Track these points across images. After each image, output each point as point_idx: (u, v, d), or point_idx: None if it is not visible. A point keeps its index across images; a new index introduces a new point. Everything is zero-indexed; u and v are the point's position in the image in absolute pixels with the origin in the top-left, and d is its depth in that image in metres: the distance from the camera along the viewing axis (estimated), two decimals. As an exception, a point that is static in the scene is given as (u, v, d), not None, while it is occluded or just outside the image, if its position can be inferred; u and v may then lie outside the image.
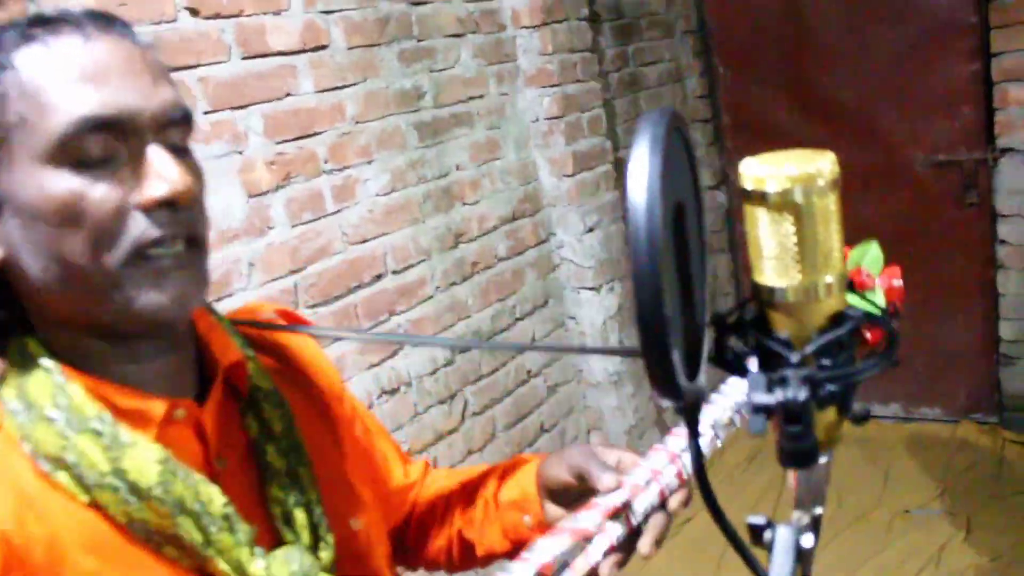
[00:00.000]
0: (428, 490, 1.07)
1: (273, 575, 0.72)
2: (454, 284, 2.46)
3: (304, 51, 2.07)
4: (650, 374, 0.48)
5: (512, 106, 2.73)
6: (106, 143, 0.67)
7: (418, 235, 2.34)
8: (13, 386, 0.71)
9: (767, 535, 0.53)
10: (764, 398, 0.46)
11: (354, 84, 2.19)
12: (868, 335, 0.68)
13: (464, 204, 2.50)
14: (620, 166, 3.17)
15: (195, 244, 0.72)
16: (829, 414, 0.51)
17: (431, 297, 2.38)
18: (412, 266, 2.32)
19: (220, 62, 1.88)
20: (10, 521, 0.66)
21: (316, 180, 2.09)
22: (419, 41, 2.39)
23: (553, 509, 0.93)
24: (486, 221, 2.58)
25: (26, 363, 0.71)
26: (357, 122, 2.19)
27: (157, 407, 0.72)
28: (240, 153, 1.92)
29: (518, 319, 2.69)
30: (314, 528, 0.79)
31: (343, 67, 2.16)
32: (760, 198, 0.48)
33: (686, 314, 0.54)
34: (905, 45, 3.29)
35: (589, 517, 0.78)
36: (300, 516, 0.78)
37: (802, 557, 0.51)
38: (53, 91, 0.66)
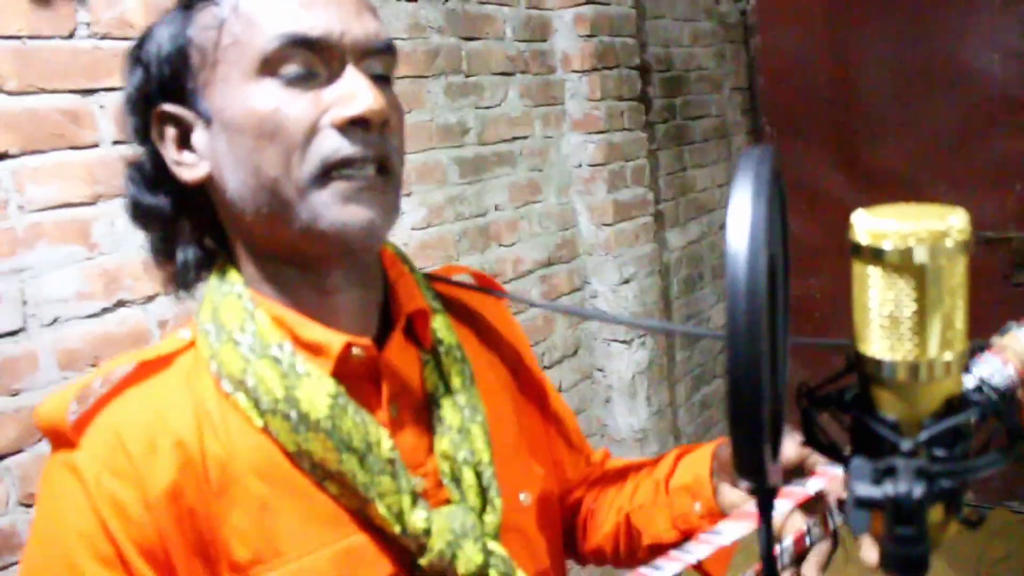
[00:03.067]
0: (605, 475, 1.02)
1: (433, 529, 0.72)
2: (483, 326, 2.39)
3: (351, 78, 2.03)
4: (737, 450, 0.41)
5: (556, 150, 2.68)
6: (307, 60, 0.70)
7: (451, 273, 2.29)
8: (209, 308, 0.75)
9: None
10: (870, 491, 0.39)
11: (398, 115, 2.15)
12: None
13: (500, 245, 2.45)
14: (660, 218, 3.11)
15: (386, 171, 0.72)
16: (936, 513, 0.44)
17: (459, 337, 2.31)
18: (442, 304, 2.26)
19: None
20: (191, 433, 0.70)
21: (352, 209, 2.04)
22: (467, 77, 2.35)
23: (730, 494, 0.84)
24: (521, 264, 2.52)
25: (222, 287, 0.75)
26: (398, 153, 2.15)
27: (336, 342, 0.72)
28: (277, 176, 1.87)
29: (546, 367, 2.61)
30: (483, 491, 0.77)
31: (389, 97, 2.12)
32: (874, 255, 0.41)
33: (772, 381, 0.47)
34: (958, 118, 3.22)
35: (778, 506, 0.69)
36: (468, 475, 0.77)
37: None
38: (263, 13, 0.69)
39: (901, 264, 0.41)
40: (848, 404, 0.44)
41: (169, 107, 0.74)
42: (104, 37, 1.55)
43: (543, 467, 0.91)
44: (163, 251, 0.80)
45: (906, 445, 0.41)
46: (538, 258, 2.58)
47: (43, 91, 1.46)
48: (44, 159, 1.46)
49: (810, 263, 3.60)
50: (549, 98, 2.65)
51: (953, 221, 0.41)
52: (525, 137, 2.55)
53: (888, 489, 0.39)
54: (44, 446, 1.42)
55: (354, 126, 0.70)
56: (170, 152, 0.75)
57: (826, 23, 3.44)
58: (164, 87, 0.74)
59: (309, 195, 0.69)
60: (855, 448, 0.44)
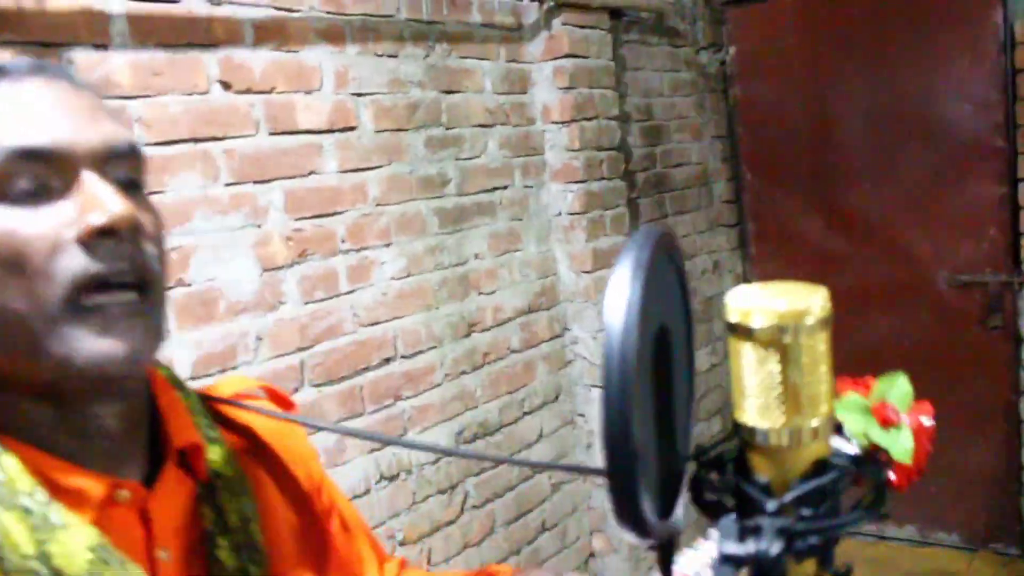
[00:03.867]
0: None
1: None
2: (464, 373, 2.43)
3: (332, 131, 2.09)
4: (615, 508, 0.45)
5: (536, 199, 2.73)
6: (38, 174, 0.63)
7: (431, 321, 2.33)
8: None
9: None
10: (734, 548, 0.43)
11: (379, 167, 2.20)
12: (893, 477, 0.64)
13: (480, 293, 2.49)
14: (641, 265, 3.16)
15: (147, 288, 0.66)
16: (807, 567, 0.48)
17: (439, 385, 2.35)
18: (422, 352, 2.30)
19: (248, 136, 1.91)
20: None
21: (332, 259, 2.08)
22: (447, 129, 2.41)
23: None
24: (501, 312, 2.56)
25: None
26: (379, 204, 2.20)
27: (97, 487, 0.65)
28: (258, 227, 1.92)
29: (526, 413, 2.65)
30: None
31: (369, 149, 2.18)
32: (746, 333, 0.46)
33: (665, 444, 0.51)
34: (933, 165, 3.30)
35: None
36: None
37: None
38: None
39: (768, 341, 0.45)
40: (727, 466, 0.48)
41: None
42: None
43: None
44: None
45: (771, 506, 0.45)
46: (518, 305, 2.63)
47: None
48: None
49: (792, 307, 3.65)
50: (529, 149, 2.71)
51: (813, 302, 0.45)
52: (505, 187, 2.61)
53: (750, 547, 0.43)
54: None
55: (101, 238, 0.63)
56: None
57: (802, 73, 3.52)
58: None
59: (61, 327, 0.62)
60: (736, 507, 0.48)
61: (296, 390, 1.98)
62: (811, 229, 3.59)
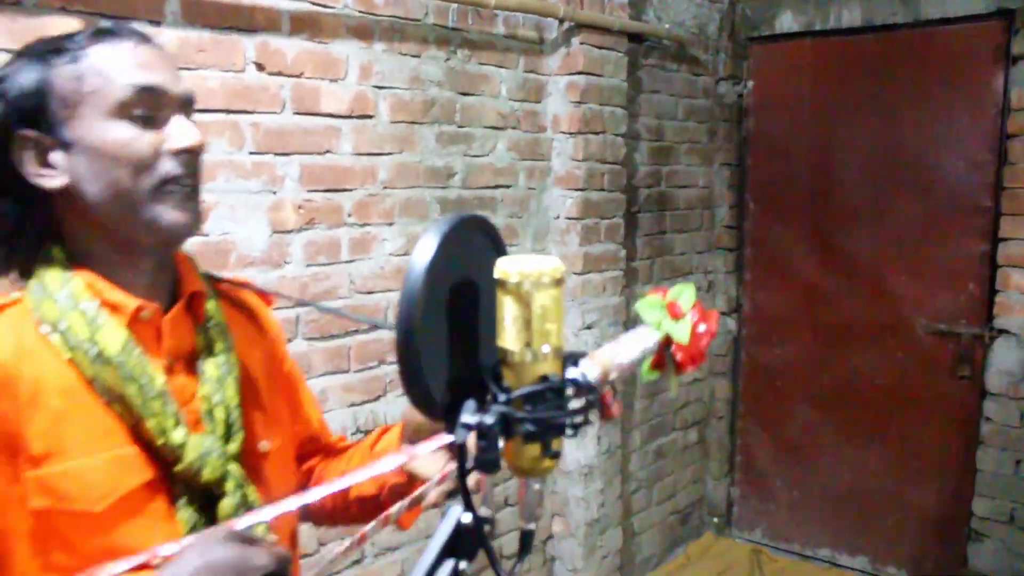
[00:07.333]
0: (333, 449, 1.34)
1: (189, 444, 0.97)
2: (446, 348, 2.66)
3: (351, 117, 2.34)
4: (404, 382, 0.68)
5: (537, 200, 2.96)
6: (149, 106, 0.97)
7: (421, 297, 2.56)
8: (37, 277, 0.98)
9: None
10: (468, 418, 0.67)
11: (390, 153, 2.45)
12: (679, 356, 0.88)
13: (471, 279, 2.72)
14: (634, 274, 3.38)
15: (197, 189, 1.02)
16: (533, 449, 0.71)
17: (421, 355, 2.58)
18: (409, 324, 2.53)
19: (273, 112, 2.16)
20: (9, 357, 0.93)
21: (337, 230, 2.33)
22: (459, 127, 2.65)
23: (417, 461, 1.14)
24: (489, 298, 2.79)
25: (49, 262, 0.99)
26: (386, 187, 2.44)
27: (131, 303, 0.98)
28: (274, 193, 2.17)
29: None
30: (229, 425, 1.03)
31: (383, 137, 2.43)
32: (503, 286, 0.69)
33: (461, 359, 0.74)
34: (923, 215, 3.47)
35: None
36: (220, 414, 1.03)
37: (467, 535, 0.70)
38: (116, 70, 0.96)
39: (516, 291, 0.68)
40: (487, 375, 0.71)
41: (30, 132, 0.96)
42: None
43: (282, 429, 1.17)
44: (5, 243, 1.00)
45: (501, 397, 0.68)
46: (507, 295, 2.85)
47: None
48: None
49: (778, 334, 3.85)
50: (536, 154, 2.95)
51: (546, 267, 0.68)
52: (508, 186, 2.84)
53: (477, 418, 0.66)
54: None
55: (182, 153, 0.98)
56: (30, 166, 0.97)
57: (814, 114, 3.71)
58: (22, 116, 0.96)
59: (151, 201, 0.97)
60: (487, 399, 0.71)
61: (289, 340, 2.23)
62: (805, 262, 3.78)
